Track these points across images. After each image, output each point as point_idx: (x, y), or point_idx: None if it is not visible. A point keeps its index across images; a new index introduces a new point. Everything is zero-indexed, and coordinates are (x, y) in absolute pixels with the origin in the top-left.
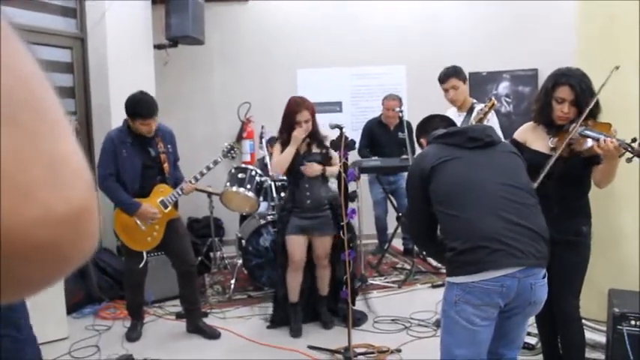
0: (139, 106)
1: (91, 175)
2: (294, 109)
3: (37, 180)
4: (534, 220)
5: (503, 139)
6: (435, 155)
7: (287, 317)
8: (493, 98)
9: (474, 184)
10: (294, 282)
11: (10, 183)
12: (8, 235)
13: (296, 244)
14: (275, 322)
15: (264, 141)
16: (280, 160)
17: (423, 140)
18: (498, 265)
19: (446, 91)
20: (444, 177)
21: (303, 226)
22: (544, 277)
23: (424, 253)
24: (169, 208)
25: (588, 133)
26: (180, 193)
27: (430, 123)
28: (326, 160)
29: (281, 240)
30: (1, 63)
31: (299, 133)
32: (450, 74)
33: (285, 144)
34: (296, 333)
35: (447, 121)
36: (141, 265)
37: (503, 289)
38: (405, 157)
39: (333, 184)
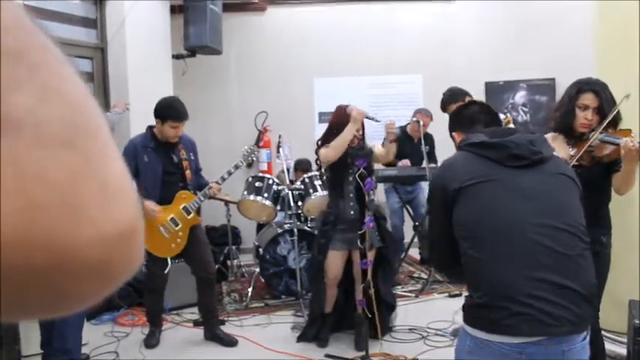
0: (172, 107)
1: (137, 195)
2: (345, 118)
3: (90, 201)
4: (578, 275)
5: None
6: (466, 172)
7: (318, 333)
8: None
9: (507, 222)
10: (331, 294)
11: (66, 204)
12: (61, 253)
13: (337, 260)
14: (306, 337)
15: (281, 150)
16: (337, 145)
17: (456, 134)
18: (518, 332)
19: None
20: (471, 205)
21: (348, 239)
22: (584, 339)
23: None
24: (192, 214)
25: (609, 138)
26: (204, 197)
27: (467, 113)
28: (371, 169)
29: (322, 255)
30: (55, 88)
31: (359, 114)
32: (446, 102)
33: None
34: (323, 343)
35: (489, 114)
36: (166, 271)
37: (523, 356)
38: (422, 166)
39: (374, 195)
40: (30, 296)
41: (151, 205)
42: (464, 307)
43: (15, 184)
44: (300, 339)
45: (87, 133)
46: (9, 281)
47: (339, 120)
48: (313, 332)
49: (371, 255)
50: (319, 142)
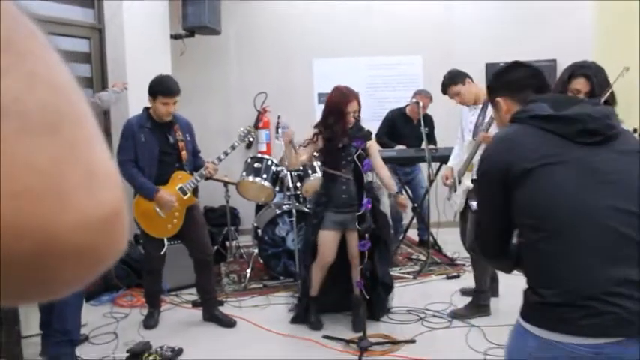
0: (162, 83)
1: (121, 178)
2: (343, 99)
3: (75, 187)
4: None
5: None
6: (532, 150)
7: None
8: None
9: (584, 209)
10: (317, 277)
11: (52, 190)
12: (48, 238)
13: (330, 241)
14: (299, 318)
15: (280, 131)
16: (287, 161)
17: (502, 100)
18: (602, 333)
19: (452, 98)
20: (542, 190)
21: (340, 221)
22: None
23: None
24: (188, 195)
25: None
26: (200, 178)
27: (515, 76)
28: (364, 153)
29: (313, 236)
30: (41, 76)
31: (286, 136)
32: (446, 84)
33: (330, 139)
34: (316, 326)
35: (538, 79)
36: (162, 252)
37: (600, 356)
38: (421, 148)
39: (368, 176)
40: (18, 281)
41: (166, 195)
42: (527, 301)
43: (3, 170)
44: (293, 320)
45: (72, 120)
46: None
47: (335, 102)
48: (304, 315)
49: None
50: (320, 128)
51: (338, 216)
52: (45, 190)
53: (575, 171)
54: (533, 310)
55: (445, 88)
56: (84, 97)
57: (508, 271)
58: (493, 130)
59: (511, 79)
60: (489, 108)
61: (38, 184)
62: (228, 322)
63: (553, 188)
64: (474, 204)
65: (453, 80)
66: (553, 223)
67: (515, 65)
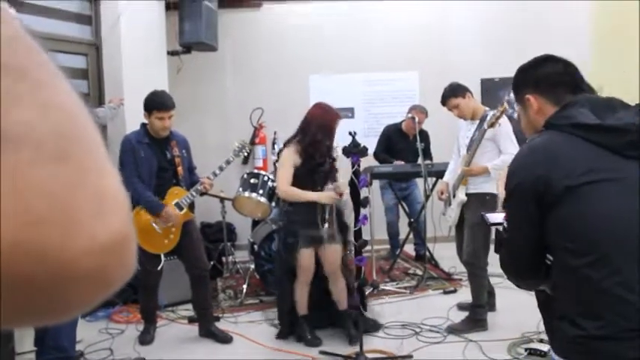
0: (156, 98)
1: (127, 199)
2: (331, 116)
3: (85, 210)
4: None
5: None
6: (576, 165)
7: (295, 328)
8: (505, 104)
9: (631, 229)
10: (304, 295)
11: (64, 216)
12: (60, 263)
13: (309, 257)
14: (284, 334)
15: (276, 147)
16: (291, 195)
17: (532, 98)
18: None
19: (450, 110)
20: (588, 211)
21: (315, 237)
22: None
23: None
24: (184, 210)
25: None
26: (196, 193)
27: (548, 70)
28: (333, 170)
29: (292, 253)
30: (54, 104)
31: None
32: (446, 96)
33: (312, 156)
34: (313, 343)
35: (573, 77)
36: (159, 268)
37: None
38: (417, 163)
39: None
40: (28, 305)
41: (172, 210)
42: (563, 339)
43: (16, 198)
44: (279, 336)
45: (82, 146)
46: (9, 291)
47: (325, 119)
48: (288, 330)
49: (337, 250)
50: (299, 140)
51: (312, 232)
52: (57, 216)
53: (626, 189)
54: (571, 343)
55: (445, 100)
56: (90, 119)
57: (532, 289)
58: (486, 146)
59: (542, 75)
60: (487, 120)
61: (51, 211)
62: (224, 338)
63: (602, 209)
64: (489, 217)
65: (454, 93)
66: (601, 249)
67: (547, 59)
